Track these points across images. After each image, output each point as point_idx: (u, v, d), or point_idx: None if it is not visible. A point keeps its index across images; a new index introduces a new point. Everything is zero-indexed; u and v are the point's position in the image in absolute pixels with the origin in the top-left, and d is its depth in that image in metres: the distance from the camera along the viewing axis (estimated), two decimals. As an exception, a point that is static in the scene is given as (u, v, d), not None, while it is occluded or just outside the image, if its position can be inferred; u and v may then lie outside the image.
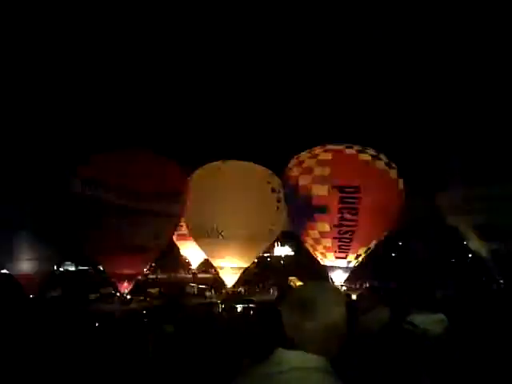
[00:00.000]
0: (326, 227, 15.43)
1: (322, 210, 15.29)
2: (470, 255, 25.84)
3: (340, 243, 15.56)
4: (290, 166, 16.75)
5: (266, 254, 47.87)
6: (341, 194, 14.99)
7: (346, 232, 15.30)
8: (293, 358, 1.72)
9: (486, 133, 15.39)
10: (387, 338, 2.93)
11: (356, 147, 15.84)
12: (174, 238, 20.50)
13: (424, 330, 2.88)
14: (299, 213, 16.14)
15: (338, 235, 15.37)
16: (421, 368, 2.11)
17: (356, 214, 15.04)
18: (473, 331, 3.65)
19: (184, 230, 19.18)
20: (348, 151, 15.75)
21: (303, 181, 15.70)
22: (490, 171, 13.95)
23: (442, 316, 3.10)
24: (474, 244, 15.63)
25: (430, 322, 2.99)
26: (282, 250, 52.78)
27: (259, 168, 18.08)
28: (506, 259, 14.20)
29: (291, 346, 1.75)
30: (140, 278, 16.39)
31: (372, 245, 16.17)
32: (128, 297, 17.41)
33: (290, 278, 34.78)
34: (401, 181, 16.00)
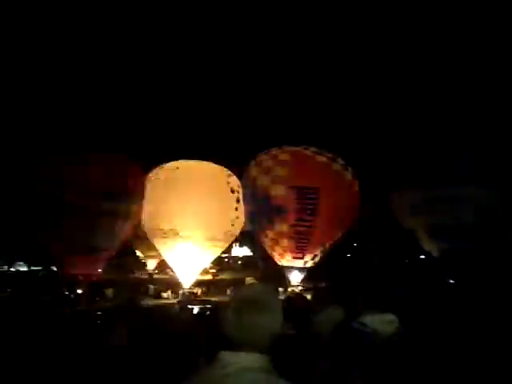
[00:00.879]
0: (284, 227, 15.57)
1: (280, 210, 15.41)
2: (422, 256, 26.51)
3: (297, 243, 15.73)
4: (248, 166, 16.81)
5: (224, 255, 47.66)
6: (298, 195, 15.17)
7: (303, 232, 15.48)
8: (240, 360, 1.73)
9: (439, 134, 15.86)
10: (338, 337, 2.98)
11: (313, 149, 16.08)
12: (131, 238, 20.14)
13: (373, 329, 2.94)
14: (258, 213, 16.22)
15: (294, 235, 15.54)
16: (357, 367, 2.17)
17: (313, 215, 15.24)
18: (424, 332, 3.75)
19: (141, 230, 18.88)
20: (306, 153, 15.97)
21: (262, 181, 15.79)
22: (442, 172, 14.39)
23: (392, 316, 3.16)
24: (426, 244, 16.09)
25: (379, 321, 3.04)
26: (241, 251, 52.65)
27: (218, 168, 18.06)
28: (456, 259, 14.66)
29: (234, 347, 1.76)
30: (94, 278, 16.01)
31: (328, 245, 16.43)
32: (82, 298, 16.98)
33: (247, 278, 34.88)
34: (356, 182, 16.35)
